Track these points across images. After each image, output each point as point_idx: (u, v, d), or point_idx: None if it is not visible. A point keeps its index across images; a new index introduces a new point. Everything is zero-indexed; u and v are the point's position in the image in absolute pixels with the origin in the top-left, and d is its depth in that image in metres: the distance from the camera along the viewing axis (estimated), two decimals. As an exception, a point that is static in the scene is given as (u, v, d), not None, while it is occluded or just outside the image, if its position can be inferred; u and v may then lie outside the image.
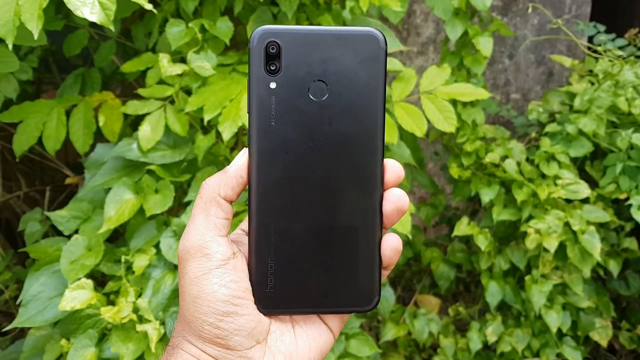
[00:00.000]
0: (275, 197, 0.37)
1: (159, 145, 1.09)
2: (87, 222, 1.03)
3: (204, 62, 1.10)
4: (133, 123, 1.26)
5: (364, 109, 0.37)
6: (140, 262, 1.00)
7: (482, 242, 1.40)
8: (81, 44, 1.26)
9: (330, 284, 0.38)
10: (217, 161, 1.16)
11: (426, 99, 1.16)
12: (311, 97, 0.37)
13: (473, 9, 1.41)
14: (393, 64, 1.13)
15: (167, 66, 1.08)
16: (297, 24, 1.23)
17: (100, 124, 1.18)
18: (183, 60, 1.18)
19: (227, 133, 1.00)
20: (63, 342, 0.96)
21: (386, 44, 0.38)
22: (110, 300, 1.00)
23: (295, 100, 0.37)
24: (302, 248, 0.38)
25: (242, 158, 0.38)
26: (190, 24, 1.13)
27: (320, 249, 0.38)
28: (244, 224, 0.42)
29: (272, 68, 0.37)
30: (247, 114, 0.38)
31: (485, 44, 1.39)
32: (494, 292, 1.41)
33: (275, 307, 0.38)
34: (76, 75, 1.32)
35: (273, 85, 0.37)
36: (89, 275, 0.99)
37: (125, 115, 1.21)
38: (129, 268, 1.01)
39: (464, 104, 1.42)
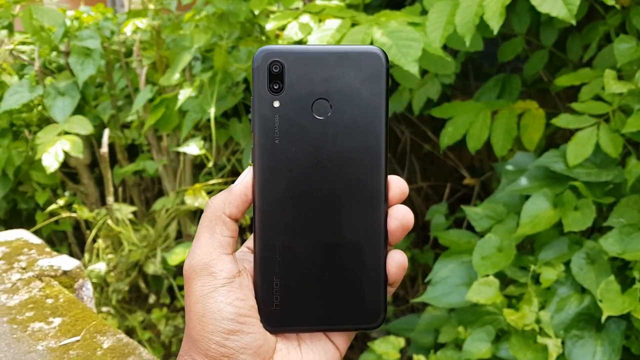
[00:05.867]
0: (280, 215, 0.38)
1: (586, 163, 1.05)
2: (500, 224, 1.07)
3: (655, 82, 1.02)
4: (550, 135, 1.25)
5: (367, 126, 0.37)
6: (548, 275, 0.99)
7: None
8: (515, 51, 1.30)
9: (336, 301, 0.38)
10: (646, 190, 1.06)
11: None
12: (314, 115, 0.37)
13: None
14: None
15: (612, 83, 1.03)
16: None
17: (520, 131, 1.20)
18: (621, 78, 1.11)
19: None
20: (460, 329, 1.02)
21: (387, 62, 0.38)
22: (510, 303, 1.02)
23: (299, 118, 0.37)
24: (308, 265, 0.38)
25: (246, 176, 0.38)
26: (645, 40, 1.06)
27: (326, 266, 0.38)
28: (249, 242, 0.42)
29: (275, 87, 0.37)
30: (252, 133, 0.38)
31: None
32: None
33: (281, 324, 0.38)
34: (497, 80, 1.38)
35: (276, 104, 0.37)
36: (495, 274, 1.03)
37: (546, 126, 1.21)
38: (535, 278, 1.01)
39: None
